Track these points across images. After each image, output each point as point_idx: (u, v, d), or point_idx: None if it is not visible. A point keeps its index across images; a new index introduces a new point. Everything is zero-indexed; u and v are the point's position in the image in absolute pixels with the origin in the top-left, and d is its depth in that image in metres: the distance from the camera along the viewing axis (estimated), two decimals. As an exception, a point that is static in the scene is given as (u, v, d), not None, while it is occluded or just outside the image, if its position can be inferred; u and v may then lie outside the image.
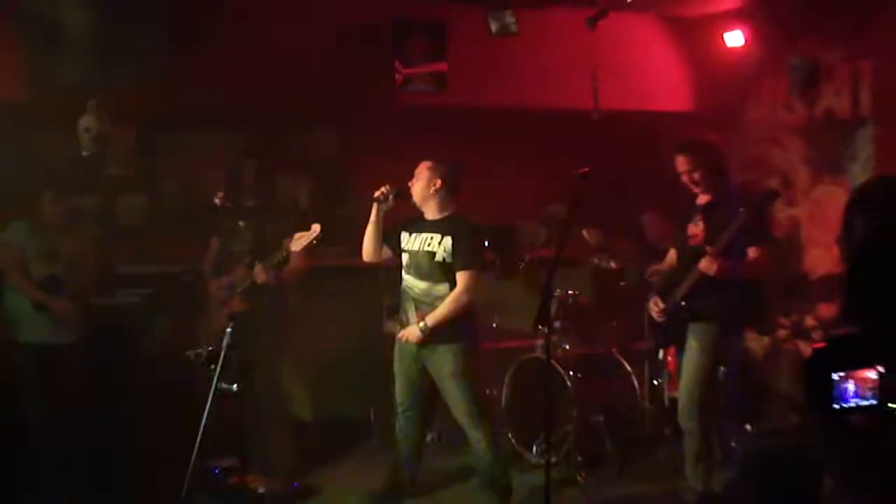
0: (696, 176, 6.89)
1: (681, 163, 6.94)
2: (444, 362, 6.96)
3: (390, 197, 6.98)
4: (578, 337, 8.61)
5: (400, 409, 7.30)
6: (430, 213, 7.05)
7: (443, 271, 6.93)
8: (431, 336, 6.91)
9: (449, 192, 7.02)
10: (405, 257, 7.10)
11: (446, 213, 7.03)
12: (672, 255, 7.39)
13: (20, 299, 7.63)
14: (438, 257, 6.92)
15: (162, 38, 8.22)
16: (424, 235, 7.01)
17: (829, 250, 8.66)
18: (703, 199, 6.99)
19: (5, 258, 7.63)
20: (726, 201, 6.87)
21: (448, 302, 6.89)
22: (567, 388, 7.93)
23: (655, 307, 7.19)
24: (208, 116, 8.76)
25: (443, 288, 6.94)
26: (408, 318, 7.05)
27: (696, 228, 6.97)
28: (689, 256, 6.94)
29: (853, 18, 8.60)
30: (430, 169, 6.99)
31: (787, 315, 8.70)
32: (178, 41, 8.24)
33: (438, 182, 6.97)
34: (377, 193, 6.97)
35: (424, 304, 6.98)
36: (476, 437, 7.04)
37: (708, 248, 6.69)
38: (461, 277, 6.90)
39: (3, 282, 7.67)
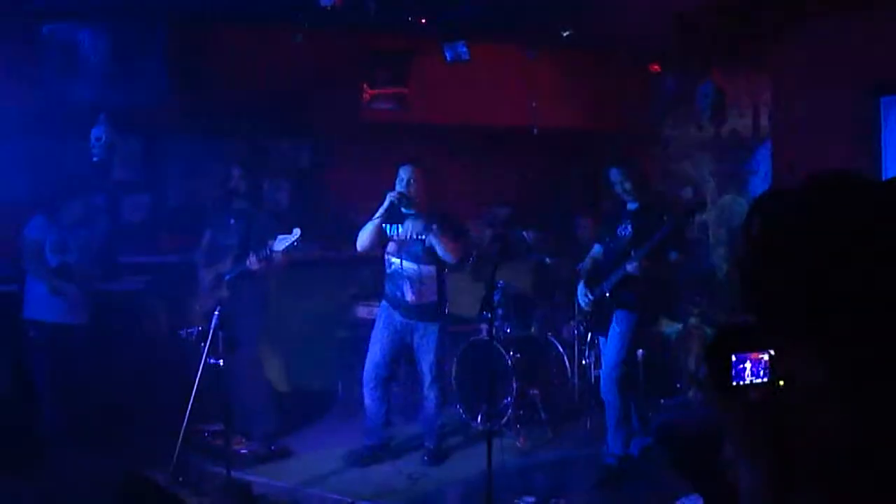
0: (627, 186, 6.92)
1: (614, 174, 6.96)
2: (427, 336, 7.22)
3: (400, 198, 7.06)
4: (518, 322, 8.62)
5: (374, 384, 7.33)
6: (417, 208, 7.14)
7: (431, 255, 7.09)
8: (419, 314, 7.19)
9: (430, 190, 7.16)
10: (393, 245, 7.20)
11: (427, 209, 7.16)
12: (596, 249, 7.36)
13: (38, 284, 7.57)
14: (427, 243, 7.06)
15: (162, 62, 8.22)
16: (412, 226, 7.14)
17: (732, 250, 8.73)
18: (632, 206, 7.01)
19: (26, 248, 7.57)
20: (651, 208, 6.94)
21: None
22: (508, 365, 7.93)
23: (585, 297, 7.20)
24: (201, 128, 8.73)
25: (430, 268, 7.13)
26: (403, 295, 7.17)
27: (625, 231, 6.99)
28: (617, 253, 6.96)
29: (754, 55, 8.66)
30: (423, 174, 7.12)
31: (696, 304, 8.72)
32: (175, 65, 8.24)
33: (428, 184, 7.14)
34: (394, 196, 7.01)
35: (416, 282, 7.12)
36: (432, 395, 7.27)
37: (634, 253, 6.72)
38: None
39: (23, 268, 7.62)
